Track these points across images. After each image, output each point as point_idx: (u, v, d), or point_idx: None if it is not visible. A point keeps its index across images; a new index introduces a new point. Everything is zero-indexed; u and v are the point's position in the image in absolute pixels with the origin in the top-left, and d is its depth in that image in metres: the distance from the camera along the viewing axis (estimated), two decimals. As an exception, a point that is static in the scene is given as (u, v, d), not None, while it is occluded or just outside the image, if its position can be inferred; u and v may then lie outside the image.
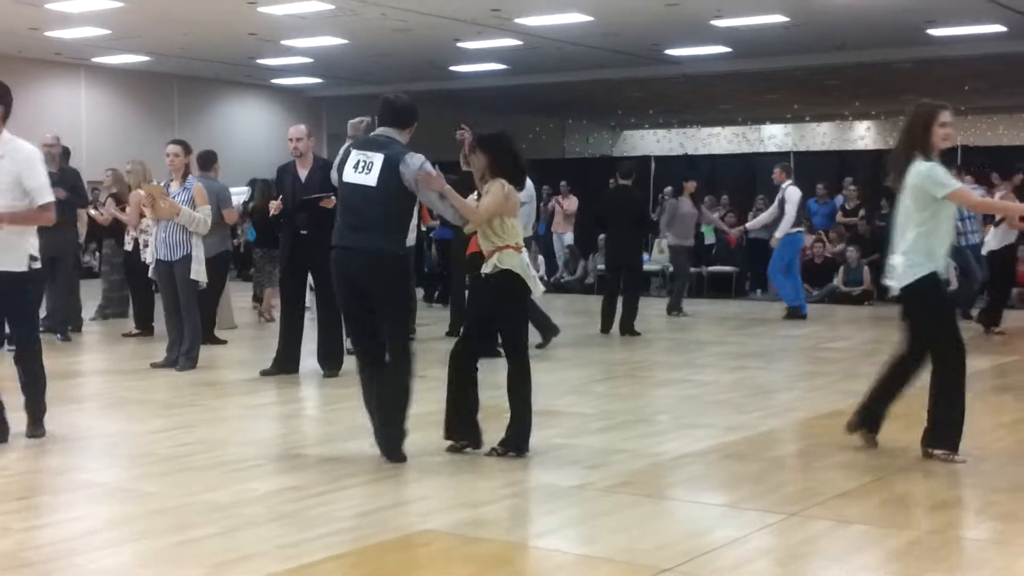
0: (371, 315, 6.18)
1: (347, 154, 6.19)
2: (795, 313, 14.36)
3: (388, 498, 5.40)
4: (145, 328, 12.08)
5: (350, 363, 9.41)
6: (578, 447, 6.54)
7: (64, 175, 11.50)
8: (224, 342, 11.42)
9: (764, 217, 15.28)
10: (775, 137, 35.05)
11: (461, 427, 6.35)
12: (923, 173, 6.01)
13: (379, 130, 6.27)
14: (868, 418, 6.43)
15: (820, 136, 34.47)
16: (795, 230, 14.42)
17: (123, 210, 12.28)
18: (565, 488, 5.59)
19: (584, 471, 5.93)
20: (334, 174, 6.32)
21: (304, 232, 8.95)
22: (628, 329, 12.39)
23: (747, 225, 16.33)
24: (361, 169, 6.07)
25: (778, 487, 5.60)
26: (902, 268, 6.11)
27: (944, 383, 6.07)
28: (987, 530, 4.98)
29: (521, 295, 6.32)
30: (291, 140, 9.09)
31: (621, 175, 12.76)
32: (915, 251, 6.07)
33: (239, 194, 12.88)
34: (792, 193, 14.18)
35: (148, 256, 9.85)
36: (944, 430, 6.09)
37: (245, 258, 19.55)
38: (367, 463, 6.09)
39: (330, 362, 9.17)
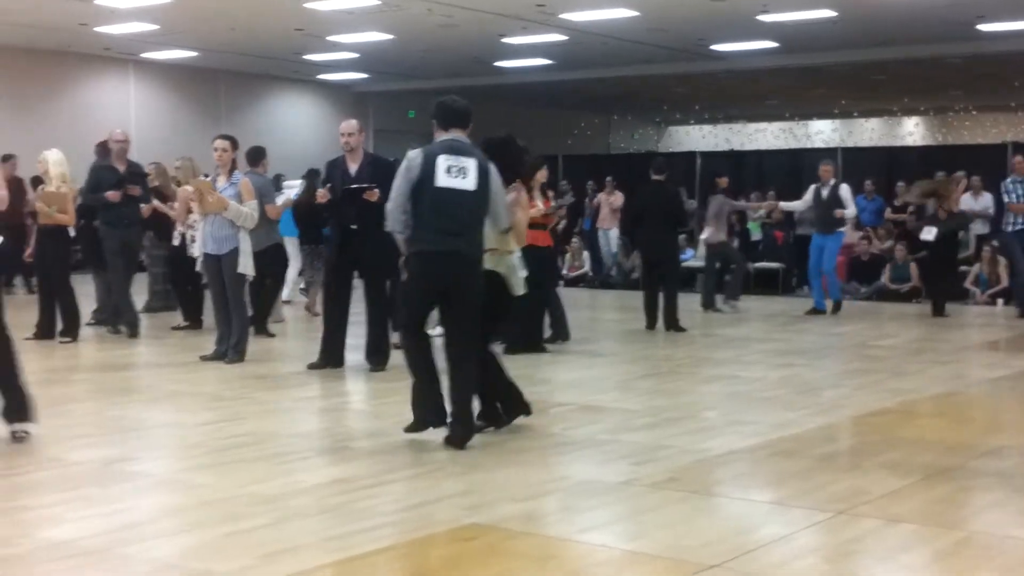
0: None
1: (431, 159, 6.24)
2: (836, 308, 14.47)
3: (434, 491, 5.42)
4: (194, 321, 12.17)
5: (396, 358, 9.47)
6: (624, 443, 6.54)
7: (133, 171, 11.52)
8: (273, 335, 11.52)
9: (799, 204, 15.22)
10: (822, 133, 34.78)
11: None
12: None
13: (450, 134, 6.38)
14: None
15: (868, 132, 34.16)
16: (842, 228, 14.47)
17: (166, 203, 12.34)
18: (611, 484, 5.58)
19: (630, 467, 5.92)
20: (406, 177, 6.27)
21: (354, 227, 8.98)
22: (672, 324, 12.36)
23: (781, 204, 16.34)
24: (456, 174, 6.22)
25: (825, 485, 5.57)
26: None
27: None
28: (1038, 530, 4.92)
29: (502, 294, 6.59)
30: (343, 135, 9.13)
31: (654, 171, 12.81)
32: None
33: (291, 187, 12.91)
34: (848, 190, 14.34)
35: (196, 250, 9.93)
36: None
37: None
38: (413, 456, 6.13)
39: (377, 357, 9.21)
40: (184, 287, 12.28)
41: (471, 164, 6.27)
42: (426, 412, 6.41)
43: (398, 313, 6.65)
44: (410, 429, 6.45)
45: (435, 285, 6.32)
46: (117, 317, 11.73)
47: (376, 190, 8.73)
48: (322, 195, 9.14)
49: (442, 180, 6.20)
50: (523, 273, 6.62)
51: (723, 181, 15.11)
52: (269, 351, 10.52)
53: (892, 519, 4.95)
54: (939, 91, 27.80)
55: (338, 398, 8.50)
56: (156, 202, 12.53)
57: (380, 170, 9.00)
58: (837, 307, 14.57)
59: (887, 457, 6.18)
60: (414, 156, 6.32)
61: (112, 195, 11.13)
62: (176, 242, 12.14)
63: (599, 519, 5.04)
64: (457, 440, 6.29)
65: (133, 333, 11.34)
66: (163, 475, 5.76)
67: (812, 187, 14.58)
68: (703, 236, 15.45)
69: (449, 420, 6.36)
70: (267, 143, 12.83)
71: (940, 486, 5.58)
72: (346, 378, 9.06)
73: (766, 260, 19.31)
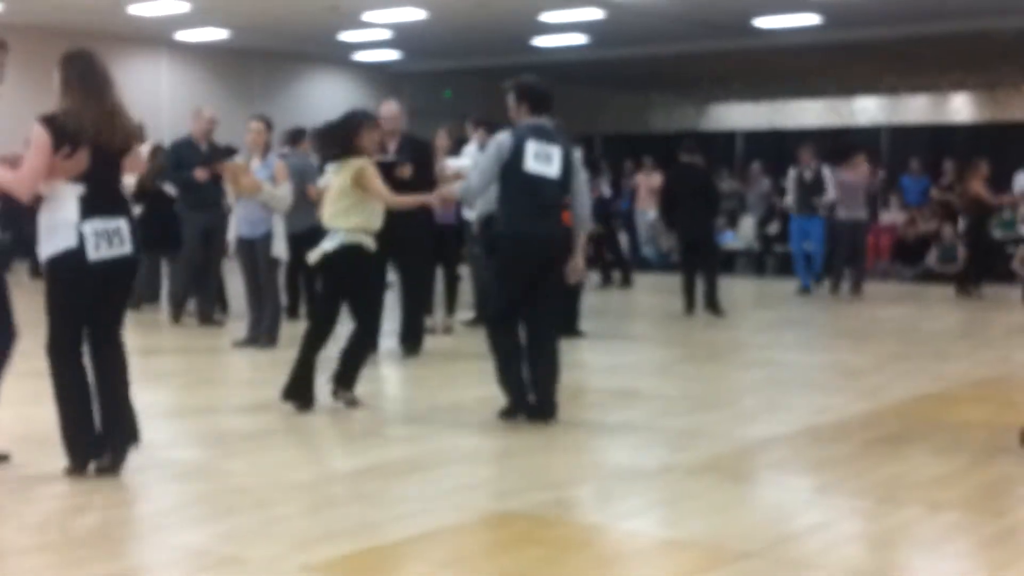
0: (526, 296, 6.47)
1: (520, 143, 6.33)
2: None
3: (469, 478, 5.37)
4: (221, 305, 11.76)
5: (430, 343, 9.42)
6: (662, 429, 6.46)
7: (217, 150, 11.06)
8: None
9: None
10: (867, 110, 34.32)
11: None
12: None
13: (534, 119, 6.47)
14: None
15: (915, 109, 33.67)
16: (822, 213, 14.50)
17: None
18: (649, 470, 5.52)
19: (668, 453, 5.85)
20: (497, 159, 6.36)
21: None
22: (712, 305, 12.24)
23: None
24: (542, 160, 6.36)
25: (867, 471, 5.47)
26: None
27: None
28: (1087, 519, 4.79)
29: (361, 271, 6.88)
30: (386, 119, 8.92)
31: (684, 153, 12.81)
32: None
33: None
34: (830, 173, 14.36)
35: (229, 232, 9.78)
36: None
37: None
38: (448, 443, 6.08)
39: (411, 342, 9.14)
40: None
41: (556, 152, 6.41)
42: (522, 396, 6.44)
43: (491, 296, 6.64)
44: (506, 414, 6.46)
45: (528, 267, 6.43)
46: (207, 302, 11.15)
47: (407, 165, 8.65)
48: None
49: (530, 165, 6.34)
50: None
51: (860, 160, 14.75)
52: (301, 336, 10.42)
53: (935, 506, 4.86)
54: (989, 66, 27.34)
55: (371, 384, 8.39)
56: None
57: (418, 150, 8.93)
58: (805, 291, 14.56)
59: (930, 443, 6.06)
60: (504, 139, 6.41)
61: (200, 174, 10.65)
62: None
63: (636, 506, 4.97)
64: (550, 415, 6.40)
65: (176, 317, 11.09)
66: (196, 461, 5.73)
67: (793, 170, 14.54)
68: (839, 214, 14.57)
69: (535, 399, 6.44)
70: (301, 124, 12.75)
71: (985, 472, 5.47)
72: (380, 363, 8.98)
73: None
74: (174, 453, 5.89)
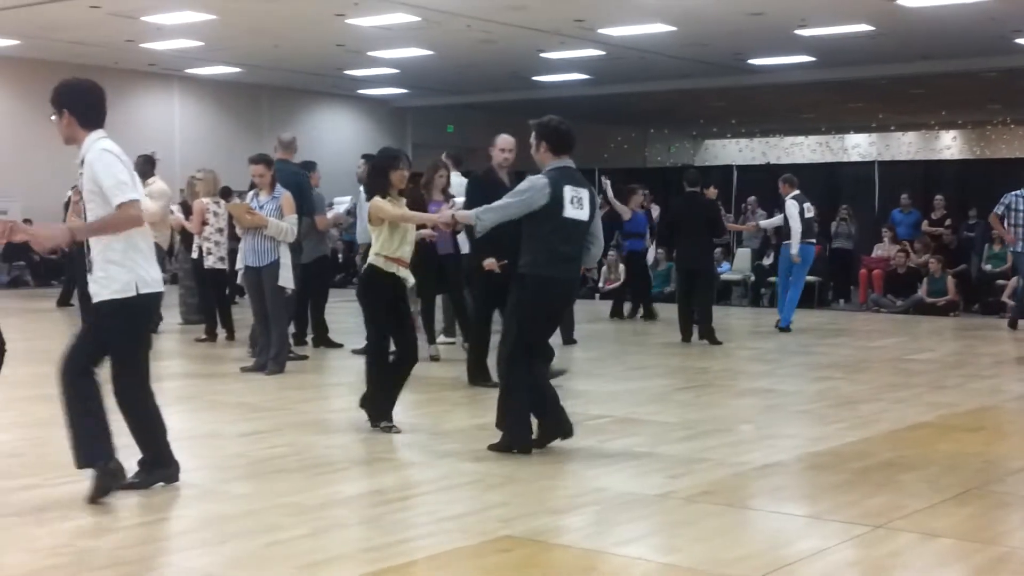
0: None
1: (558, 189, 6.40)
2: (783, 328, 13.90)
3: (471, 503, 5.44)
4: (210, 335, 12.09)
5: (430, 370, 9.50)
6: (660, 456, 6.54)
7: None
8: (340, 345, 11.48)
9: (775, 220, 14.68)
10: (859, 146, 34.59)
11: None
12: None
13: (562, 160, 6.53)
14: None
15: (905, 145, 33.95)
16: (806, 241, 13.80)
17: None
18: (647, 496, 5.59)
19: (666, 480, 5.92)
20: (529, 203, 6.40)
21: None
22: (708, 335, 12.34)
23: (761, 223, 15.99)
24: (577, 205, 6.46)
25: (863, 499, 5.55)
26: None
27: None
28: (1077, 546, 4.87)
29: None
30: (503, 151, 8.96)
31: (688, 183, 12.84)
32: None
33: (341, 203, 12.97)
34: (790, 207, 13.64)
35: (239, 262, 9.88)
36: None
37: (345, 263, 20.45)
38: (450, 468, 6.16)
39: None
40: (206, 300, 12.31)
41: (586, 195, 6.52)
42: (527, 433, 6.55)
43: (510, 335, 6.65)
44: (502, 447, 6.53)
45: (557, 309, 6.71)
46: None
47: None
48: None
49: (569, 211, 6.43)
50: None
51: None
52: (308, 364, 10.53)
53: (930, 534, 4.94)
54: (977, 104, 27.63)
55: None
56: (179, 216, 12.53)
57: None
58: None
59: (925, 471, 6.15)
60: (542, 186, 6.42)
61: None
62: (195, 255, 12.06)
63: (635, 532, 5.04)
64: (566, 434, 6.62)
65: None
66: (204, 485, 5.80)
67: (795, 202, 13.73)
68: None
69: (553, 423, 6.60)
70: (309, 157, 12.93)
71: (978, 501, 5.56)
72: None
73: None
74: (183, 477, 5.91)
